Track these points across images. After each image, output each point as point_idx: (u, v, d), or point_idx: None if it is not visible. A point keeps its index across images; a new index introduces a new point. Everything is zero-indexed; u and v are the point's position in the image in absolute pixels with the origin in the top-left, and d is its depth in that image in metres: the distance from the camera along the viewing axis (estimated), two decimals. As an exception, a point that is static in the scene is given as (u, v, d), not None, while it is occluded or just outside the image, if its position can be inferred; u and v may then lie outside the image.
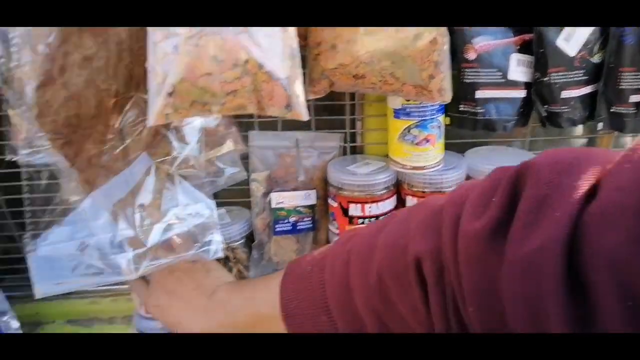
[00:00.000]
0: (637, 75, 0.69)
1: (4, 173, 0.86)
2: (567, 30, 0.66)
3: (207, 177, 0.71)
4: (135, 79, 0.59)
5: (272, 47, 0.43)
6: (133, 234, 0.63)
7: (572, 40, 0.65)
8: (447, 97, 0.63)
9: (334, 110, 0.81)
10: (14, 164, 0.85)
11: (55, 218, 0.62)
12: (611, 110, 0.71)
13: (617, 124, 0.71)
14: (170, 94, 0.42)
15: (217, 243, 0.70)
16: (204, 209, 0.69)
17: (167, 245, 0.66)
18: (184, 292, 0.63)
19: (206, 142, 0.70)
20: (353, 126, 0.83)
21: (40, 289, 0.59)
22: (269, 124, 0.81)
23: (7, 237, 0.93)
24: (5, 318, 0.83)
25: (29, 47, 0.49)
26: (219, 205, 0.81)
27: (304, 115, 0.47)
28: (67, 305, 0.98)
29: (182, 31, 0.41)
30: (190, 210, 0.68)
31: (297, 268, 0.54)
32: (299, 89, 0.46)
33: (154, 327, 0.73)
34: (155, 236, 0.65)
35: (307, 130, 0.80)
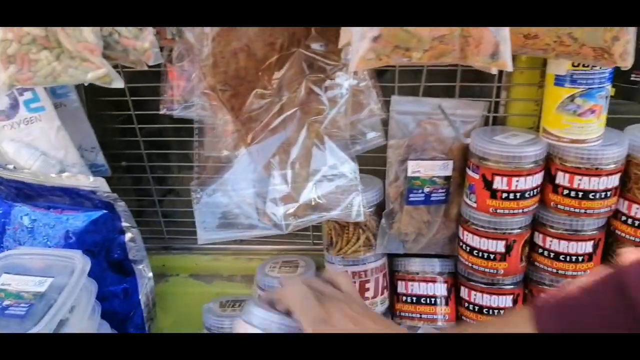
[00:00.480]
0: None
1: (149, 129, 0.91)
2: None
3: (350, 139, 0.70)
4: (297, 34, 0.59)
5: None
6: (286, 190, 0.64)
7: None
8: (629, 62, 0.57)
9: (479, 78, 0.77)
10: (152, 120, 0.89)
11: (217, 170, 0.63)
12: None
13: None
14: (375, 39, 0.40)
15: (358, 205, 0.70)
16: (348, 170, 0.68)
17: (315, 204, 0.66)
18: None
19: (351, 104, 0.69)
20: (498, 95, 0.78)
21: (202, 236, 0.62)
22: (410, 90, 0.78)
23: (143, 190, 0.99)
24: (141, 266, 0.88)
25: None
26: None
27: (509, 65, 0.44)
28: (191, 260, 1.03)
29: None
30: (336, 170, 0.67)
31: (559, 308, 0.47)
32: (507, 34, 0.43)
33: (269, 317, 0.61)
34: (306, 193, 0.65)
35: (450, 98, 0.77)
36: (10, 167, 0.74)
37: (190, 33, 0.53)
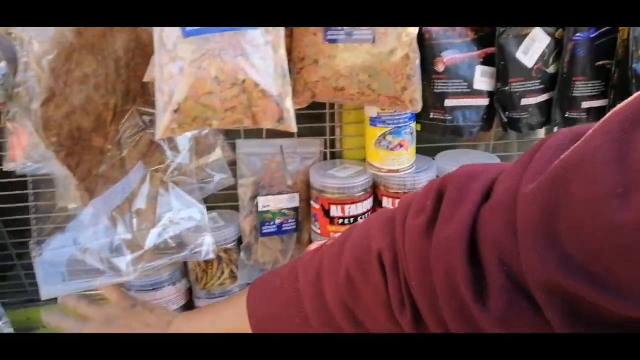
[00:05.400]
0: (588, 83, 0.77)
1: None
2: (525, 43, 0.73)
3: (197, 183, 0.76)
4: (132, 93, 0.64)
5: (266, 67, 0.48)
6: (131, 238, 0.68)
7: (530, 53, 0.72)
8: (418, 106, 0.69)
9: (315, 118, 0.87)
10: (4, 175, 0.88)
11: (58, 225, 0.65)
12: (565, 115, 0.78)
13: (571, 128, 0.79)
14: (175, 111, 0.47)
15: (208, 245, 0.75)
16: (195, 213, 0.74)
17: (163, 247, 0.71)
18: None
19: (196, 150, 0.75)
20: (332, 133, 0.89)
21: (46, 291, 0.63)
22: (254, 132, 0.86)
23: (0, 245, 0.96)
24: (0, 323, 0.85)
25: (35, 64, 0.53)
26: (208, 210, 0.86)
27: (293, 127, 0.52)
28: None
29: (187, 55, 0.46)
30: (183, 214, 0.72)
31: (263, 284, 0.58)
32: (289, 104, 0.51)
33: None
34: (151, 239, 0.69)
35: (291, 138, 0.86)
36: None
37: (16, 103, 0.56)
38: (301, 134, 0.87)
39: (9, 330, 0.87)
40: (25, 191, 0.92)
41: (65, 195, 0.70)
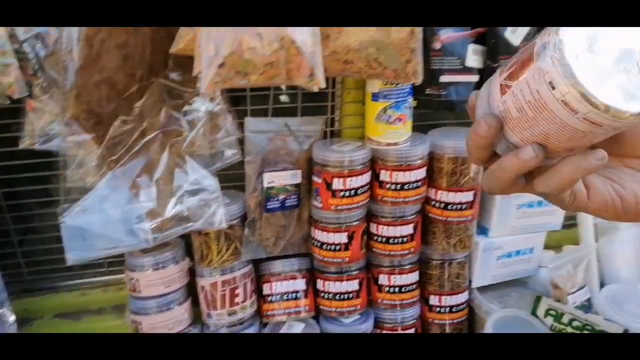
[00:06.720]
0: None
1: (2, 166, 0.89)
2: (509, 25, 0.81)
3: (210, 157, 0.79)
4: (156, 66, 0.67)
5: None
6: (151, 206, 0.71)
7: (517, 32, 0.80)
8: (420, 78, 0.75)
9: (318, 98, 0.92)
10: (11, 158, 0.88)
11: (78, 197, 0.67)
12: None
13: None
14: (221, 65, 0.51)
15: (221, 215, 0.78)
16: (209, 184, 0.77)
17: (180, 216, 0.74)
18: None
19: (209, 127, 0.79)
20: (332, 112, 0.94)
21: (71, 256, 0.64)
22: (261, 112, 0.90)
23: (1, 232, 0.95)
24: (1, 310, 0.85)
25: (77, 34, 0.56)
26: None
27: (322, 82, 0.57)
28: (56, 299, 1.01)
29: (233, 13, 0.50)
30: (198, 185, 0.76)
31: None
32: (319, 61, 0.56)
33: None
34: (170, 208, 0.72)
35: (294, 117, 0.90)
36: None
37: (53, 70, 0.58)
38: (304, 112, 0.92)
39: (12, 317, 0.87)
40: (27, 174, 0.93)
41: (79, 173, 0.72)
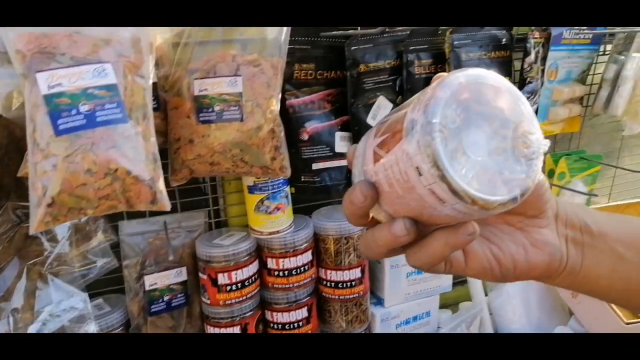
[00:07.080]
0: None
1: None
2: (372, 110, 0.85)
3: (79, 271, 0.75)
4: (5, 188, 0.63)
5: (137, 155, 0.52)
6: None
7: (377, 117, 0.84)
8: (288, 172, 0.77)
9: (197, 192, 0.91)
10: None
11: None
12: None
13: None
14: (49, 205, 0.48)
15: (93, 331, 0.73)
16: (78, 302, 0.72)
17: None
18: None
19: (76, 238, 0.75)
20: (216, 203, 0.93)
21: None
22: (137, 213, 0.87)
23: None
24: None
25: None
26: (93, 296, 0.84)
27: (167, 206, 0.56)
28: None
29: (60, 152, 0.48)
30: (64, 305, 0.71)
31: None
32: (161, 186, 0.55)
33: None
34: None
35: (174, 213, 0.88)
36: None
37: None
38: (185, 208, 0.90)
39: None
40: None
41: None
